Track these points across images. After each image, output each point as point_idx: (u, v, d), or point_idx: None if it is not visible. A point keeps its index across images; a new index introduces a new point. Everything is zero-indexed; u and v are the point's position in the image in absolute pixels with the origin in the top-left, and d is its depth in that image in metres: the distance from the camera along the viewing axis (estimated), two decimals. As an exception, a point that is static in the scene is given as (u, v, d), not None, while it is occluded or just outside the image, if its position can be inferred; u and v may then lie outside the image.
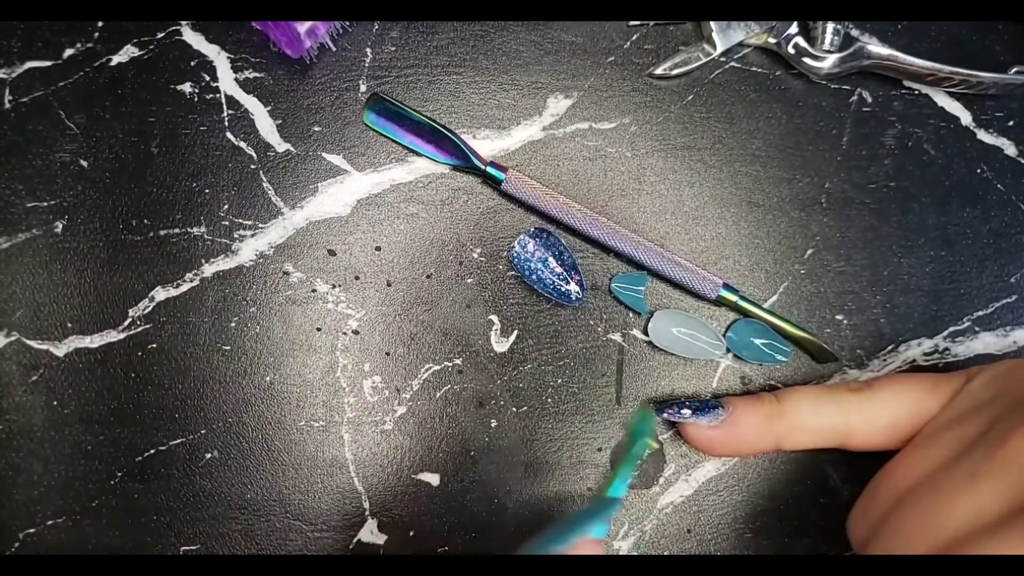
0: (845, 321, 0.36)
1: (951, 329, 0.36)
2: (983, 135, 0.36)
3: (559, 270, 0.34)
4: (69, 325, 0.34)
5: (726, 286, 0.34)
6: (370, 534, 0.35)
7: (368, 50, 0.35)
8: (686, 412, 0.33)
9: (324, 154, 0.35)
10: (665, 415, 0.33)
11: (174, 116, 0.35)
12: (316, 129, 0.35)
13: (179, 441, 0.35)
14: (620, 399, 0.35)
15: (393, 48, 0.35)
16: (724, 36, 0.35)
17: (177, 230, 0.35)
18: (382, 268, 0.35)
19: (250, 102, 0.35)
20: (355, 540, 0.35)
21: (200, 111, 0.35)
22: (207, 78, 0.35)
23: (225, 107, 0.35)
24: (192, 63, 0.35)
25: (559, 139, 0.35)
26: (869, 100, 0.36)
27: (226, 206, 0.35)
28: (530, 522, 0.35)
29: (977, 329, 0.36)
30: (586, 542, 0.27)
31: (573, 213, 0.34)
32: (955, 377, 0.31)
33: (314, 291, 0.35)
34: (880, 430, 0.31)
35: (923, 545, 0.26)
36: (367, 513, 0.35)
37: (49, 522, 0.34)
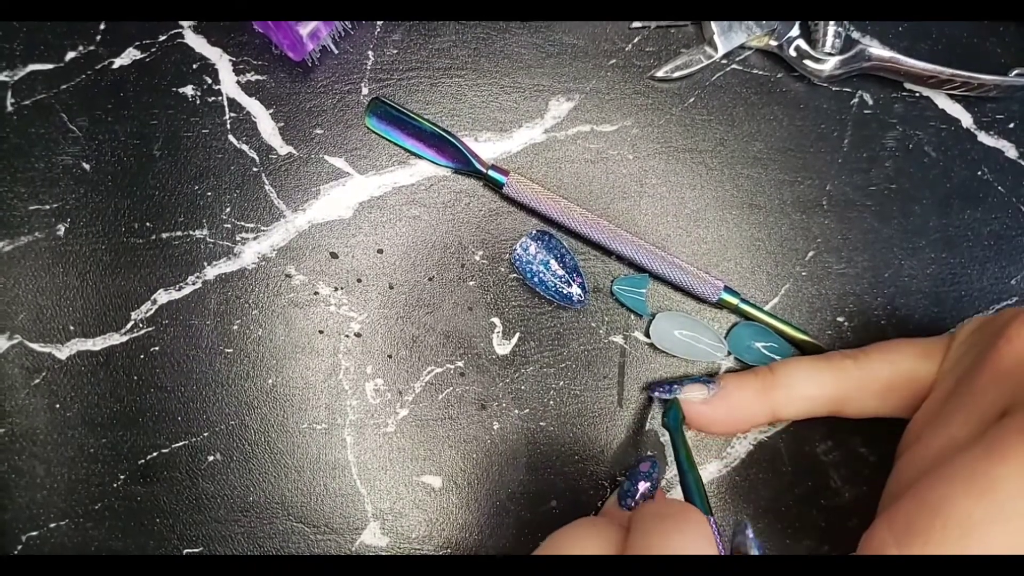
0: (846, 323, 0.36)
1: (952, 331, 0.36)
2: (984, 137, 0.36)
3: (561, 272, 0.34)
4: (71, 328, 0.34)
5: (727, 289, 0.34)
6: (372, 536, 0.35)
7: (370, 53, 0.35)
8: (676, 388, 0.33)
9: (326, 157, 0.35)
10: (656, 394, 0.33)
11: (176, 119, 0.35)
12: (318, 132, 0.35)
13: (181, 444, 0.35)
14: (622, 401, 0.35)
15: (395, 51, 0.35)
16: (725, 39, 0.35)
17: (179, 233, 0.35)
18: (384, 271, 0.35)
19: (252, 105, 0.35)
20: (357, 542, 0.35)
21: (202, 114, 0.35)
22: (209, 81, 0.35)
23: (227, 110, 0.35)
24: (194, 66, 0.35)
25: (561, 141, 0.35)
26: (870, 102, 0.36)
27: (228, 209, 0.35)
28: (532, 524, 0.35)
29: (978, 331, 0.36)
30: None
31: (574, 216, 0.34)
32: (942, 339, 0.31)
33: (316, 294, 0.35)
34: (874, 395, 0.31)
35: (907, 480, 0.28)
36: (369, 515, 0.35)
37: (52, 525, 0.34)
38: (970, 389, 0.28)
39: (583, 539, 0.26)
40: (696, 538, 0.25)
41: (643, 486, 0.32)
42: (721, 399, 0.32)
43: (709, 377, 0.33)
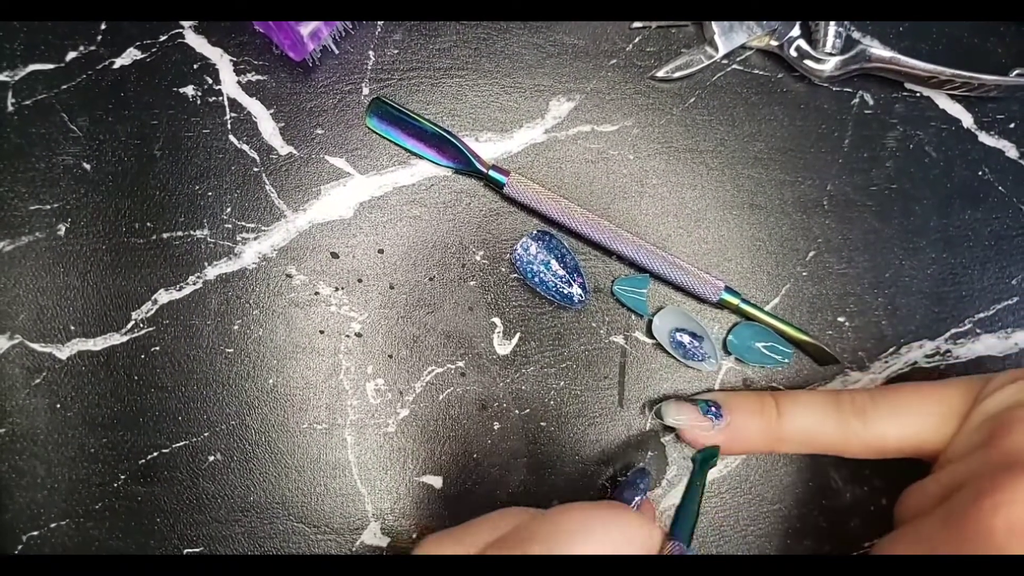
0: (847, 323, 0.36)
1: (952, 331, 0.36)
2: (984, 137, 0.36)
3: (561, 273, 0.34)
4: (72, 328, 0.34)
5: (728, 289, 0.34)
6: (373, 536, 0.35)
7: (371, 53, 0.35)
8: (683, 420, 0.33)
9: (327, 157, 0.35)
10: (669, 422, 0.33)
11: (177, 119, 0.35)
12: (319, 132, 0.35)
13: (182, 444, 0.35)
14: (623, 401, 0.35)
15: (396, 51, 0.35)
16: (726, 39, 0.35)
17: (180, 233, 0.35)
18: (385, 271, 0.35)
19: (253, 105, 0.35)
20: (358, 543, 0.35)
21: (203, 114, 0.35)
22: (210, 81, 0.35)
23: (228, 110, 0.35)
24: (195, 66, 0.35)
25: (561, 142, 0.35)
26: (871, 103, 0.36)
27: (229, 209, 0.35)
28: (533, 524, 0.35)
29: (978, 331, 0.36)
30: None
31: (575, 216, 0.34)
32: (969, 392, 0.29)
33: (317, 294, 0.35)
34: (876, 452, 0.31)
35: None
36: (370, 516, 0.35)
37: (52, 525, 0.34)
38: (952, 524, 0.26)
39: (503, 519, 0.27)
40: (618, 529, 0.25)
41: (629, 495, 0.32)
42: (727, 433, 0.32)
43: (717, 408, 0.32)
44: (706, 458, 0.32)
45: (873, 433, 0.30)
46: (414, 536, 0.35)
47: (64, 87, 0.34)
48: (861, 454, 0.31)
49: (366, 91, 0.35)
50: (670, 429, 0.35)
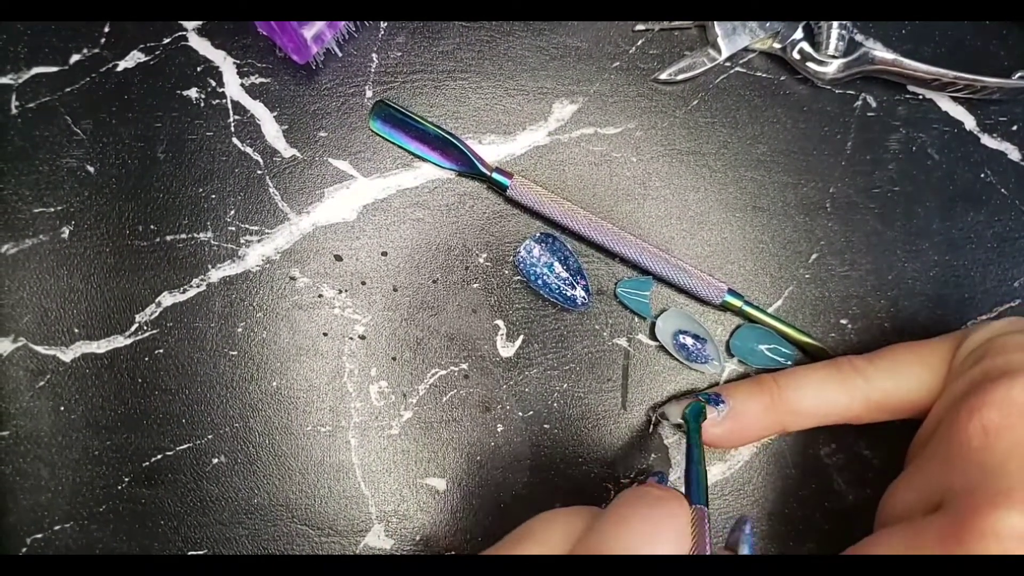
0: (849, 325, 0.36)
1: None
2: (987, 140, 0.36)
3: (564, 275, 0.34)
4: (76, 330, 0.34)
5: (731, 291, 0.34)
6: (376, 539, 0.35)
7: (374, 55, 0.35)
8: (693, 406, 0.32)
9: (330, 159, 0.35)
10: (676, 421, 0.33)
11: (180, 121, 0.35)
12: (322, 134, 0.35)
13: (186, 446, 0.35)
14: (626, 404, 0.35)
15: (399, 53, 0.35)
16: (729, 41, 0.35)
17: (184, 236, 0.35)
18: (388, 273, 0.35)
19: (256, 107, 0.35)
20: (361, 545, 0.35)
21: (206, 116, 0.35)
22: (213, 83, 0.35)
23: (231, 112, 0.35)
24: (198, 68, 0.35)
25: (564, 144, 0.35)
26: (873, 105, 0.36)
27: (232, 212, 0.35)
28: (536, 526, 0.35)
29: (981, 333, 0.36)
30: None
31: (578, 218, 0.34)
32: (950, 345, 0.30)
33: (320, 296, 0.35)
34: (882, 412, 0.31)
35: (875, 529, 0.29)
36: (373, 518, 0.35)
37: (56, 527, 0.34)
38: (938, 447, 0.27)
39: (549, 528, 0.26)
40: (668, 522, 0.24)
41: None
42: (731, 419, 0.32)
43: (716, 395, 0.32)
44: (695, 414, 0.31)
45: (875, 388, 0.31)
46: (417, 538, 0.35)
47: (68, 90, 0.34)
48: (865, 415, 0.31)
49: (369, 94, 0.35)
50: (673, 430, 0.35)
